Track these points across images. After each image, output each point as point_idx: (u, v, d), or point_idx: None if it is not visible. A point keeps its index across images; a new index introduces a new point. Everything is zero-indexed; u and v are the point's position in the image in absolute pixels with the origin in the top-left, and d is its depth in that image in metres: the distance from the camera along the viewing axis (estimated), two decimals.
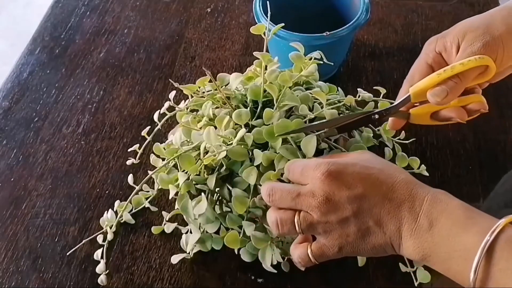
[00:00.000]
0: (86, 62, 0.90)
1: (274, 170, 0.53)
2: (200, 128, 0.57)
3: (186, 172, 0.55)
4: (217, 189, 0.57)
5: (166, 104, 0.65)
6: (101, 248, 0.60)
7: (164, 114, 0.65)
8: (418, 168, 0.64)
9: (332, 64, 0.63)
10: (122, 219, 0.64)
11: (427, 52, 0.57)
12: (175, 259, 0.62)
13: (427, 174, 0.64)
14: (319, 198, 0.46)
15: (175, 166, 0.58)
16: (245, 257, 0.56)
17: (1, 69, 1.30)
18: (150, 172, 0.59)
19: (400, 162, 0.62)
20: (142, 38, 0.93)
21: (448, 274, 0.44)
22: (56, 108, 0.83)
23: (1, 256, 0.66)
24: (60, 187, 0.73)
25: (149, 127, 0.67)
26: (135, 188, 0.61)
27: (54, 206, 0.70)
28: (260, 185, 0.52)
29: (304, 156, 0.53)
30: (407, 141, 0.67)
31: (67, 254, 0.65)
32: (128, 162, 0.71)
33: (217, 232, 0.59)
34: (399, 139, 0.66)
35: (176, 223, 0.65)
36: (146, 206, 0.66)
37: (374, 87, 0.67)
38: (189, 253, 0.61)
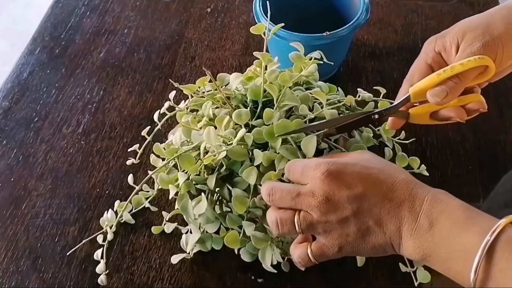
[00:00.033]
0: (86, 62, 0.90)
1: (274, 170, 0.53)
2: (200, 128, 0.57)
3: (186, 172, 0.55)
4: (217, 189, 0.57)
5: (166, 104, 0.65)
6: (101, 248, 0.60)
7: (164, 114, 0.65)
8: (418, 168, 0.64)
9: (332, 64, 0.63)
10: (122, 219, 0.64)
11: (426, 52, 0.57)
12: (175, 259, 0.62)
13: (427, 174, 0.64)
14: (319, 197, 0.46)
15: (175, 166, 0.58)
16: (245, 257, 0.56)
17: (1, 69, 1.30)
18: (150, 172, 0.59)
19: (400, 162, 0.62)
20: (142, 38, 0.93)
21: (448, 274, 0.44)
22: (56, 108, 0.83)
23: (1, 256, 0.66)
24: (60, 187, 0.73)
25: (149, 127, 0.67)
26: (135, 188, 0.61)
27: (54, 206, 0.71)
28: (260, 185, 0.52)
29: (304, 156, 0.53)
30: (407, 141, 0.67)
31: (67, 254, 0.65)
32: (128, 162, 0.71)
33: (217, 232, 0.59)
34: (399, 139, 0.66)
35: (176, 223, 0.65)
36: (146, 206, 0.66)
37: (374, 87, 0.67)
38: (189, 253, 0.61)
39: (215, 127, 0.55)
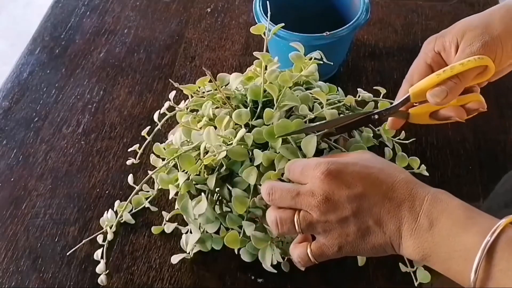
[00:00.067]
0: (86, 62, 0.90)
1: (274, 170, 0.53)
2: (200, 128, 0.57)
3: (186, 172, 0.55)
4: (217, 189, 0.57)
5: (166, 104, 0.65)
6: (101, 248, 0.60)
7: (164, 114, 0.65)
8: (418, 168, 0.64)
9: (332, 64, 0.63)
10: (122, 219, 0.64)
11: (426, 52, 0.57)
12: (175, 259, 0.62)
13: (427, 174, 0.64)
14: (318, 197, 0.46)
15: (175, 166, 0.58)
16: (245, 257, 0.56)
17: (1, 69, 1.30)
18: (150, 172, 0.59)
19: (400, 162, 0.62)
20: (142, 38, 0.93)
21: (448, 274, 0.44)
22: (56, 108, 0.83)
23: (1, 256, 0.66)
24: (60, 187, 0.73)
25: (149, 127, 0.67)
26: (135, 188, 0.61)
27: (54, 206, 0.71)
28: (260, 185, 0.52)
29: (304, 156, 0.53)
30: (407, 141, 0.67)
31: (67, 254, 0.65)
32: (128, 162, 0.71)
33: (217, 232, 0.59)
34: (399, 139, 0.66)
35: (176, 223, 0.65)
36: (146, 206, 0.66)
37: (374, 87, 0.67)
38: (189, 253, 0.61)
39: (215, 127, 0.55)
